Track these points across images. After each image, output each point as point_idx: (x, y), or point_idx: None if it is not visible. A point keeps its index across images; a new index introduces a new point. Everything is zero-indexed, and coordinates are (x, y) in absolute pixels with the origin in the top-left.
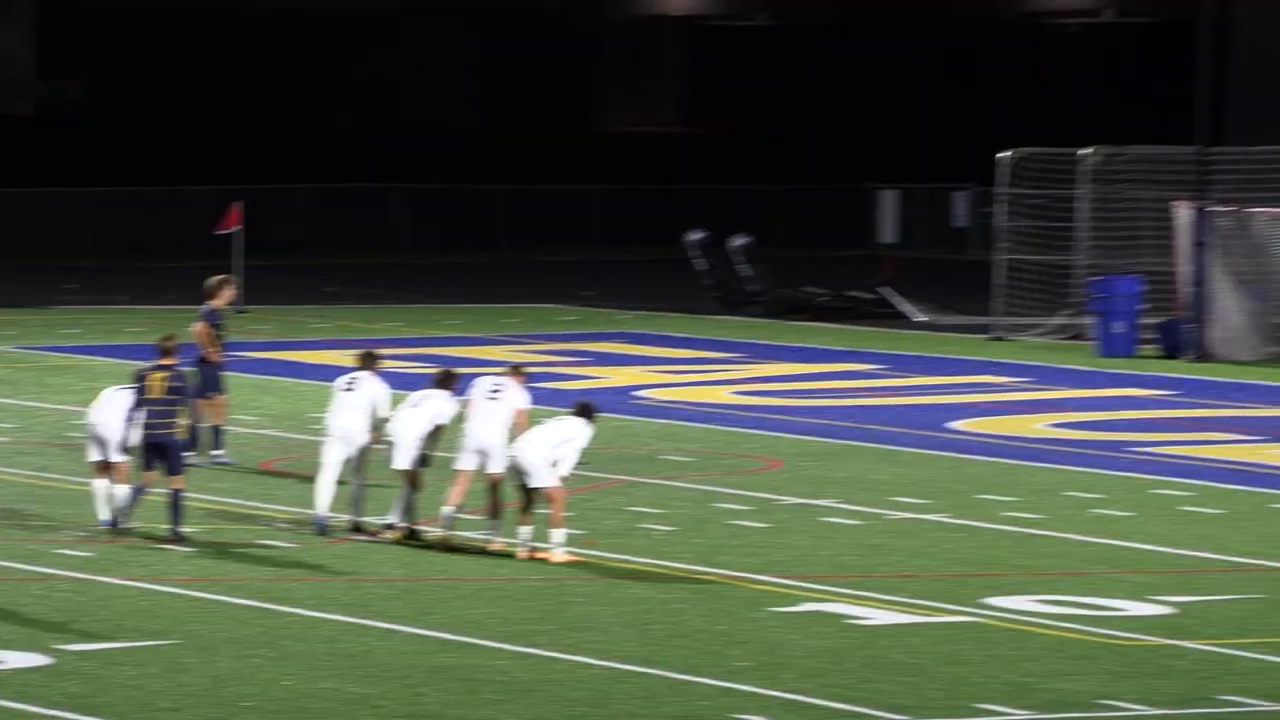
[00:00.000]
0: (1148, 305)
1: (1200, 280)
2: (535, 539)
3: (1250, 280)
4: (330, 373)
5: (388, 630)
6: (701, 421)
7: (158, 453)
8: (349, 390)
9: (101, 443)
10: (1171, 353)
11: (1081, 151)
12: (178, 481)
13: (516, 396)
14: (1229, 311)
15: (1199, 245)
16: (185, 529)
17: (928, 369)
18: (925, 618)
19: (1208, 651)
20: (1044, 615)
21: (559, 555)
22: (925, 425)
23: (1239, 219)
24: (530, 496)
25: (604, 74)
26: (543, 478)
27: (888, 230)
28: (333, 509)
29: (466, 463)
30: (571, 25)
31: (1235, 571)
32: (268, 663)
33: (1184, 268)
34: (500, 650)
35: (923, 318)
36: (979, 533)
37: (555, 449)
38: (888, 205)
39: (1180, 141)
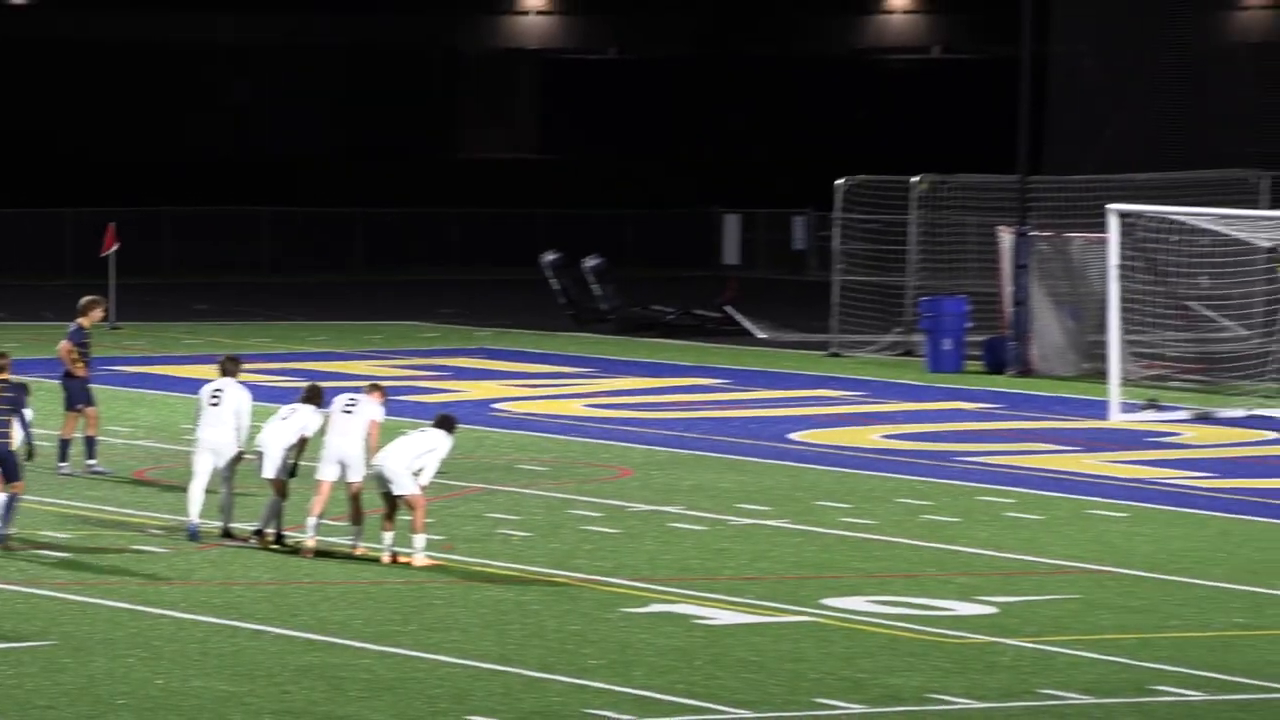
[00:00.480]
0: (973, 324)
1: (1022, 300)
2: (397, 544)
3: (1068, 301)
4: (200, 386)
5: (256, 631)
6: (556, 433)
7: None
8: (215, 404)
9: None
10: (996, 368)
11: (912, 179)
12: (17, 487)
13: (371, 410)
14: (1048, 330)
15: (1020, 268)
16: (12, 531)
17: (769, 383)
18: (767, 618)
19: (1028, 648)
20: (877, 615)
21: (420, 559)
22: (767, 436)
23: (1057, 243)
24: (393, 504)
25: (464, 103)
26: (405, 486)
27: (731, 252)
28: (204, 516)
29: (327, 473)
30: (431, 58)
31: (1054, 574)
32: (141, 662)
33: (1007, 289)
34: (364, 650)
35: (764, 335)
36: (817, 537)
37: (417, 459)
38: (731, 229)
39: (1003, 170)
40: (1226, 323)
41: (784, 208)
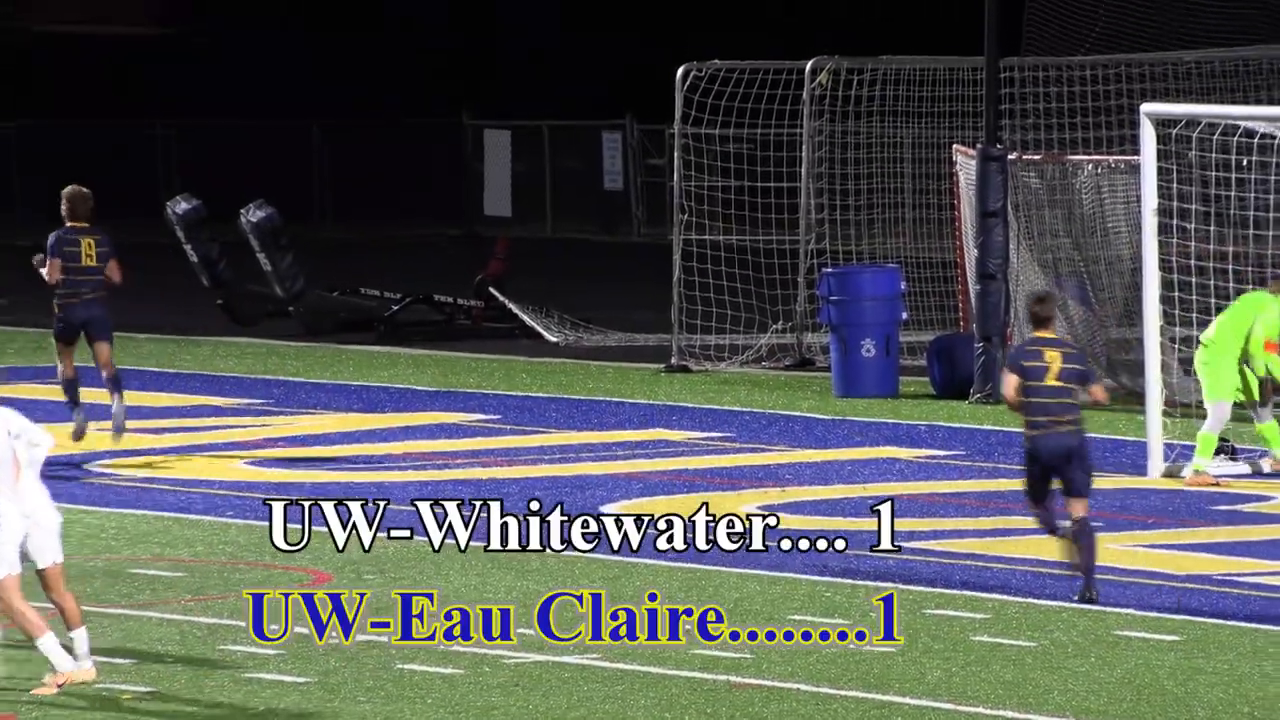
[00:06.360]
0: (910, 313)
1: (993, 273)
2: None
3: (1071, 270)
4: None
5: None
6: (198, 513)
7: None
8: None
9: None
10: (946, 387)
11: (809, 66)
12: None
13: None
14: None
15: (989, 216)
16: None
17: (567, 420)
18: None
19: None
20: None
21: None
22: (568, 508)
23: (1051, 171)
24: None
25: None
26: None
27: (498, 197)
28: None
29: None
30: None
31: None
32: None
33: (969, 252)
34: None
35: (555, 337)
36: (653, 678)
37: None
38: (496, 154)
39: (954, 51)
40: None
41: (585, 119)
